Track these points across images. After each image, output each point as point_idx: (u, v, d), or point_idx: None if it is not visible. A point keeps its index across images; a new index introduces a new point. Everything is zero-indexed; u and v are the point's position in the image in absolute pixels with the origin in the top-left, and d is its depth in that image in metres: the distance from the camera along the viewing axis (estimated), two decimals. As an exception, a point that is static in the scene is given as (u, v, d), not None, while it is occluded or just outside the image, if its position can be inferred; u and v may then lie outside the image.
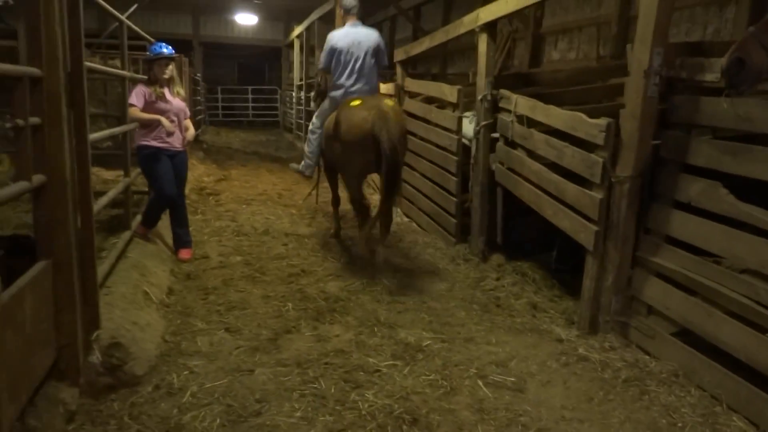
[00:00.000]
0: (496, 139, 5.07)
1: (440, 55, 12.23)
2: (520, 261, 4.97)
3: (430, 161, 6.09)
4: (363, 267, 4.82)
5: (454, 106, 5.52)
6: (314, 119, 5.35)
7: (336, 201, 5.65)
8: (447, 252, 5.42)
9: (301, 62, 16.21)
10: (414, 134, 6.62)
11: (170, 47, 4.79)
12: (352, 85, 4.95)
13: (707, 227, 2.98)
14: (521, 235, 5.20)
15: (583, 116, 3.69)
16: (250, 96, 21.19)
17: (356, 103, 4.53)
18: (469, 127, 5.41)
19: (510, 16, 9.31)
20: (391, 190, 4.22)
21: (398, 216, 6.92)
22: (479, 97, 5.08)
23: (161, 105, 4.73)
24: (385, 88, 7.82)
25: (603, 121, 3.45)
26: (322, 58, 5.11)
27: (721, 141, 2.96)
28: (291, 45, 17.47)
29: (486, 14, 4.94)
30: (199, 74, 15.05)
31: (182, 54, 9.32)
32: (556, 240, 4.67)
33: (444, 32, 5.83)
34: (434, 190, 6.01)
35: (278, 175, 9.74)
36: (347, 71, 4.93)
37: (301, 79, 15.63)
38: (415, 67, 13.40)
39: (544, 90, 5.19)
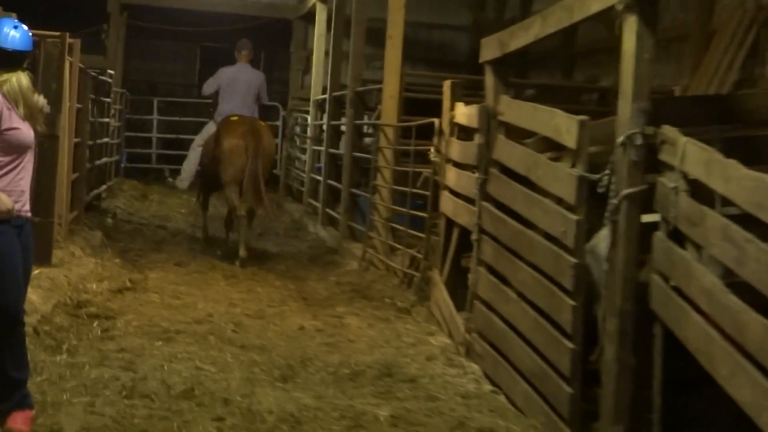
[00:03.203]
0: (652, 226, 5.77)
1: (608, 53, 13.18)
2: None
3: (532, 266, 6.85)
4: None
5: (575, 155, 6.33)
6: (197, 138, 15.53)
7: (205, 206, 14.98)
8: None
9: (326, 53, 17.54)
10: (511, 211, 7.42)
11: (23, 28, 5.85)
12: (234, 111, 13.57)
13: None
14: (698, 424, 5.78)
15: (778, 184, 4.38)
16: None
17: (234, 118, 13.38)
18: (604, 241, 6.05)
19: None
20: (256, 188, 12.84)
21: (471, 380, 7.61)
22: (619, 140, 5.85)
23: (24, 134, 5.73)
24: (465, 113, 8.80)
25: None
26: (209, 84, 14.37)
27: None
28: (309, 18, 18.99)
29: (634, -21, 5.80)
30: (111, 71, 16.57)
31: (70, 33, 10.66)
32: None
33: (566, 9, 6.75)
34: (536, 326, 6.72)
35: (245, 286, 10.71)
36: (232, 99, 13.73)
37: (325, 89, 16.88)
38: (553, 73, 14.43)
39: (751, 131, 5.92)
